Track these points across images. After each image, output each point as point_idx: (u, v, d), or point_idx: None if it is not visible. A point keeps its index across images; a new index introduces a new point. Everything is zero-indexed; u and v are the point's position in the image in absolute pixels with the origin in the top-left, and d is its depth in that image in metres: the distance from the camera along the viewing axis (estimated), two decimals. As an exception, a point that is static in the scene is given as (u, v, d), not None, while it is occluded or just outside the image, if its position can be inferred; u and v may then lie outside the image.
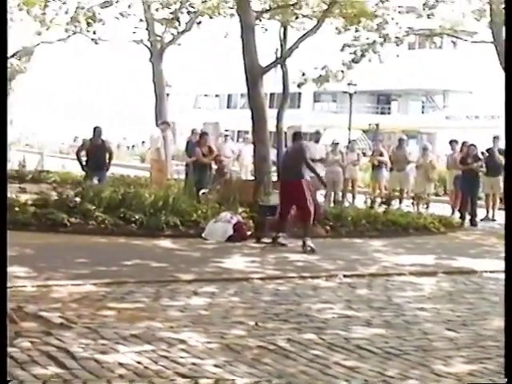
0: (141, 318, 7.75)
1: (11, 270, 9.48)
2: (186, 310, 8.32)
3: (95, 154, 17.73)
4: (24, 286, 8.92)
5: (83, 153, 18.31)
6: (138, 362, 6.25)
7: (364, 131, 55.51)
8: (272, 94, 38.41)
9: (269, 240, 13.72)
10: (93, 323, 7.43)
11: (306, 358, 6.69)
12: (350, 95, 43.47)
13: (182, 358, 6.47)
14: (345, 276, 10.83)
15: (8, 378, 5.31)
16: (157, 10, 26.06)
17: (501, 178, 19.66)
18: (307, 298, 9.37)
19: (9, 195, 15.32)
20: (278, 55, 19.59)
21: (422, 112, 67.94)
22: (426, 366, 6.61)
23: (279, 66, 19.87)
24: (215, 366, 6.31)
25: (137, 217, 14.38)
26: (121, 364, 6.16)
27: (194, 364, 6.31)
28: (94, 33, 25.80)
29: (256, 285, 10.06)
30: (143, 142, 41.55)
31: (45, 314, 7.64)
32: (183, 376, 5.99)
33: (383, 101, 68.88)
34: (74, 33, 27.48)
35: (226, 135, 25.83)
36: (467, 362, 6.79)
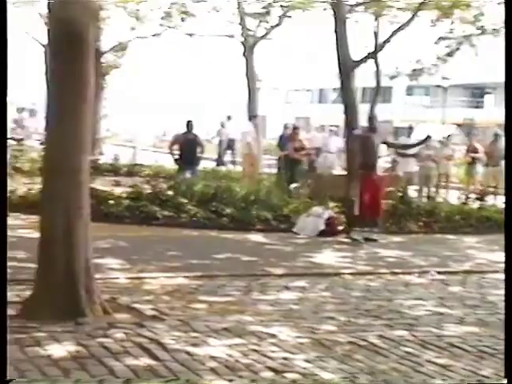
0: (232, 312, 7.77)
1: (105, 261, 9.71)
2: (276, 305, 8.30)
3: (187, 147, 17.91)
4: (117, 278, 9.04)
5: (176, 147, 18.51)
6: (229, 355, 6.25)
7: (458, 125, 54.55)
8: (364, 89, 38.11)
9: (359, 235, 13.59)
10: (184, 316, 7.48)
11: (397, 354, 6.59)
12: (444, 89, 42.75)
13: (272, 352, 6.45)
14: (438, 272, 10.65)
15: (8, 378, 5.31)
16: (249, 4, 26.14)
17: None
18: (399, 294, 9.25)
19: (103, 188, 15.66)
20: (370, 49, 19.38)
21: (518, 105, 66.23)
22: (523, 366, 6.42)
23: (371, 59, 19.65)
24: (306, 361, 6.27)
25: (228, 211, 14.46)
26: (212, 357, 6.17)
27: (284, 358, 6.28)
28: (188, 28, 26.06)
29: (347, 280, 9.98)
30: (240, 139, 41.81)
31: (137, 305, 7.73)
32: (273, 370, 5.97)
33: (477, 94, 67.46)
34: (168, 28, 27.82)
35: (331, 130, 25.58)
36: None
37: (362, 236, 13.48)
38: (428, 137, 15.88)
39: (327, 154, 21.89)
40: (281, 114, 57.90)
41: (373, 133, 13.84)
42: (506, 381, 5.15)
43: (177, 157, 18.27)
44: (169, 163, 20.47)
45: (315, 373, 5.98)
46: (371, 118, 14.29)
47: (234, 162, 28.53)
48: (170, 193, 15.14)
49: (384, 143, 14.67)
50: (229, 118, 31.75)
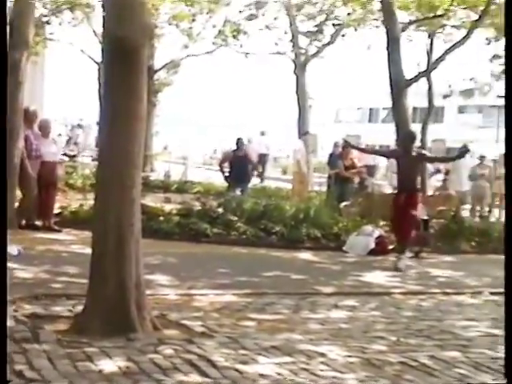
0: (281, 330, 7.73)
1: (154, 277, 9.74)
2: (326, 323, 8.24)
3: (237, 165, 17.97)
4: (167, 295, 9.06)
5: (226, 164, 18.58)
6: (278, 374, 6.21)
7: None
8: (415, 108, 37.92)
9: (411, 254, 13.46)
10: (233, 333, 7.45)
11: (450, 375, 6.48)
12: (499, 108, 42.35)
13: (321, 371, 6.38)
14: (491, 293, 10.48)
15: (8, 378, 5.34)
16: (302, 22, 26.23)
17: None
18: (451, 314, 9.12)
19: (154, 205, 15.77)
20: (423, 67, 19.28)
21: None
22: None
23: (423, 78, 19.54)
24: (356, 380, 6.20)
25: (277, 228, 14.44)
26: (261, 375, 6.14)
27: (334, 378, 6.22)
28: (241, 46, 26.23)
29: (397, 300, 9.87)
30: (288, 155, 41.72)
31: (187, 322, 7.72)
32: (323, 390, 5.92)
33: (532, 114, 66.68)
34: (220, 45, 28.03)
35: (374, 146, 25.48)
36: None
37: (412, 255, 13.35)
38: (467, 150, 15.16)
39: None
40: (331, 133, 57.82)
41: (408, 152, 12.82)
42: (506, 381, 5.04)
43: (227, 174, 18.34)
44: (219, 181, 20.54)
45: (365, 393, 5.92)
46: (408, 137, 13.39)
47: (261, 178, 27.31)
48: (220, 210, 15.18)
49: (422, 159, 14.02)
50: (262, 133, 31.45)
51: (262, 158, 29.76)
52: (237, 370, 6.21)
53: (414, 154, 12.88)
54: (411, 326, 8.30)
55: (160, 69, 29.92)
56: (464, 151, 14.96)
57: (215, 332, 7.42)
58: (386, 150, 14.40)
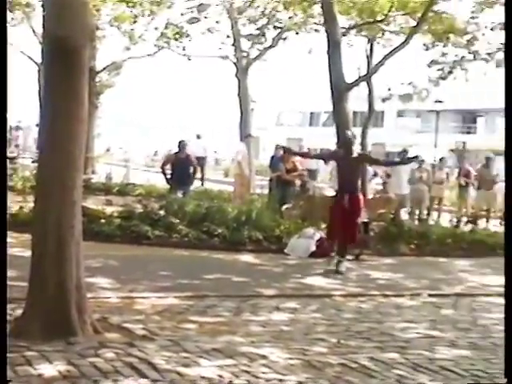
0: (222, 332, 7.74)
1: (96, 280, 9.67)
2: (267, 325, 8.27)
3: (180, 167, 17.91)
4: (108, 298, 9.00)
5: (168, 166, 18.52)
6: (220, 376, 6.22)
7: (450, 150, 54.69)
8: (355, 112, 38.25)
9: (351, 257, 13.57)
10: (175, 336, 7.44)
11: (389, 377, 6.56)
12: (437, 113, 42.94)
13: (263, 373, 6.41)
14: (429, 295, 10.64)
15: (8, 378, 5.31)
16: (244, 25, 26.28)
17: None
18: (390, 316, 9.23)
19: (95, 207, 15.64)
20: (363, 72, 19.48)
21: (510, 131, 66.64)
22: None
23: (364, 82, 19.74)
24: (297, 382, 6.24)
25: (220, 231, 14.45)
26: (203, 377, 6.14)
27: (276, 380, 6.25)
28: (184, 49, 26.17)
29: (338, 302, 9.95)
30: (232, 159, 41.78)
31: (128, 325, 7.69)
32: (265, 392, 5.95)
33: (469, 119, 67.79)
34: (162, 48, 27.94)
35: (315, 149, 25.68)
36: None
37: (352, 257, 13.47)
38: (416, 156, 15.24)
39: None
40: (273, 135, 58.01)
41: (349, 153, 12.60)
42: (506, 381, 5.13)
43: (169, 176, 18.28)
44: (161, 183, 20.47)
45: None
46: (348, 138, 13.09)
47: (201, 181, 27.25)
48: (162, 212, 15.13)
49: (365, 160, 14.10)
50: (198, 136, 31.23)
51: (200, 161, 29.65)
52: (178, 373, 6.21)
53: (354, 155, 12.79)
54: (351, 328, 8.38)
55: (102, 70, 29.68)
56: (412, 157, 14.98)
57: (156, 335, 7.40)
58: (327, 152, 14.36)
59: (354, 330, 8.28)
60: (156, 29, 26.52)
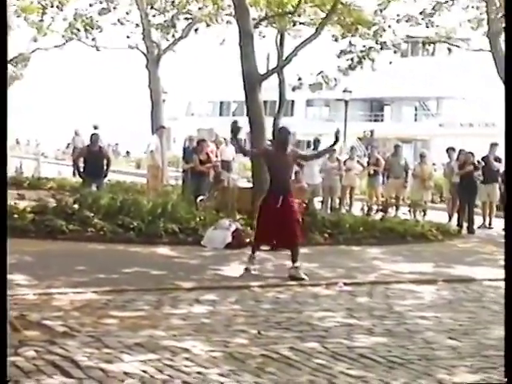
0: (143, 327, 7.75)
1: (12, 277, 9.49)
2: (188, 318, 8.31)
3: (93, 160, 17.75)
4: (26, 294, 8.90)
5: (81, 159, 18.33)
6: (144, 371, 6.24)
7: (359, 138, 55.58)
8: (265, 102, 38.42)
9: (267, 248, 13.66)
10: (96, 332, 7.41)
11: (310, 366, 6.69)
12: (346, 102, 43.49)
13: (186, 366, 6.46)
14: (344, 284, 10.84)
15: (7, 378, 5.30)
16: (154, 16, 26.13)
17: (497, 186, 19.81)
18: (308, 306, 9.38)
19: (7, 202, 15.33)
20: (274, 63, 19.62)
21: (415, 119, 68.16)
22: (431, 375, 6.61)
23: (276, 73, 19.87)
24: (220, 375, 6.30)
25: (135, 224, 14.38)
26: (126, 373, 6.15)
27: (199, 373, 6.31)
28: (93, 39, 25.87)
29: (256, 293, 10.06)
30: (145, 151, 41.55)
31: (47, 322, 7.63)
32: (189, 385, 6.00)
33: (376, 108, 69.01)
34: (71, 39, 27.54)
35: (225, 138, 25.67)
36: (471, 372, 6.79)
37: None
38: (335, 142, 14.39)
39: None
40: (184, 126, 57.88)
41: (284, 150, 11.70)
42: (506, 381, 5.25)
43: (81, 169, 18.10)
44: (72, 176, 20.25)
45: (230, 386, 6.03)
46: (283, 135, 11.98)
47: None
48: (76, 206, 14.97)
49: (299, 158, 13.33)
50: (95, 127, 30.74)
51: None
52: (101, 370, 6.20)
53: (288, 152, 11.85)
54: (271, 319, 8.49)
55: (9, 62, 29.10)
56: (332, 145, 14.12)
57: (77, 331, 7.37)
58: (263, 149, 13.96)
59: (274, 321, 8.39)
60: (64, 20, 26.14)
